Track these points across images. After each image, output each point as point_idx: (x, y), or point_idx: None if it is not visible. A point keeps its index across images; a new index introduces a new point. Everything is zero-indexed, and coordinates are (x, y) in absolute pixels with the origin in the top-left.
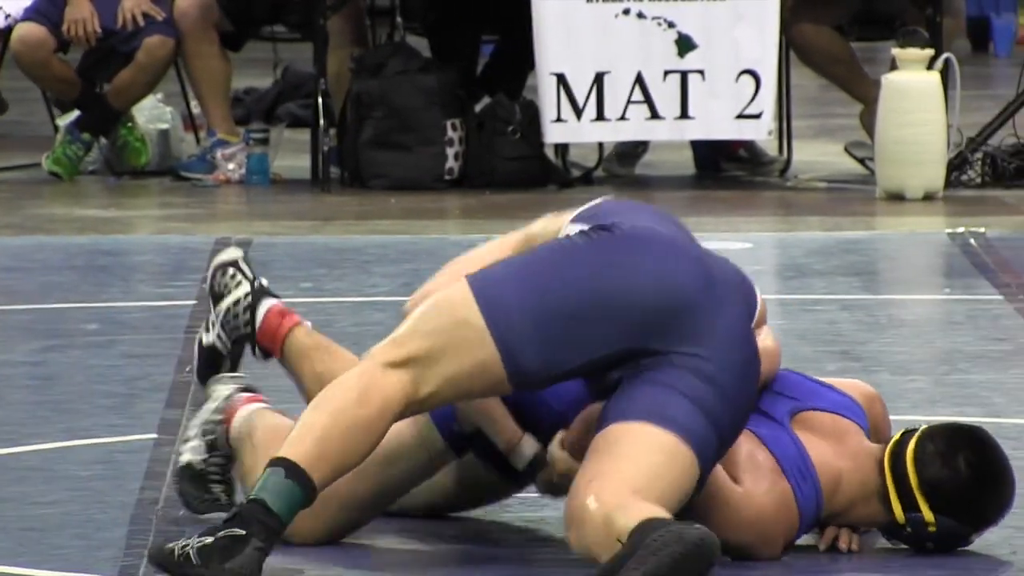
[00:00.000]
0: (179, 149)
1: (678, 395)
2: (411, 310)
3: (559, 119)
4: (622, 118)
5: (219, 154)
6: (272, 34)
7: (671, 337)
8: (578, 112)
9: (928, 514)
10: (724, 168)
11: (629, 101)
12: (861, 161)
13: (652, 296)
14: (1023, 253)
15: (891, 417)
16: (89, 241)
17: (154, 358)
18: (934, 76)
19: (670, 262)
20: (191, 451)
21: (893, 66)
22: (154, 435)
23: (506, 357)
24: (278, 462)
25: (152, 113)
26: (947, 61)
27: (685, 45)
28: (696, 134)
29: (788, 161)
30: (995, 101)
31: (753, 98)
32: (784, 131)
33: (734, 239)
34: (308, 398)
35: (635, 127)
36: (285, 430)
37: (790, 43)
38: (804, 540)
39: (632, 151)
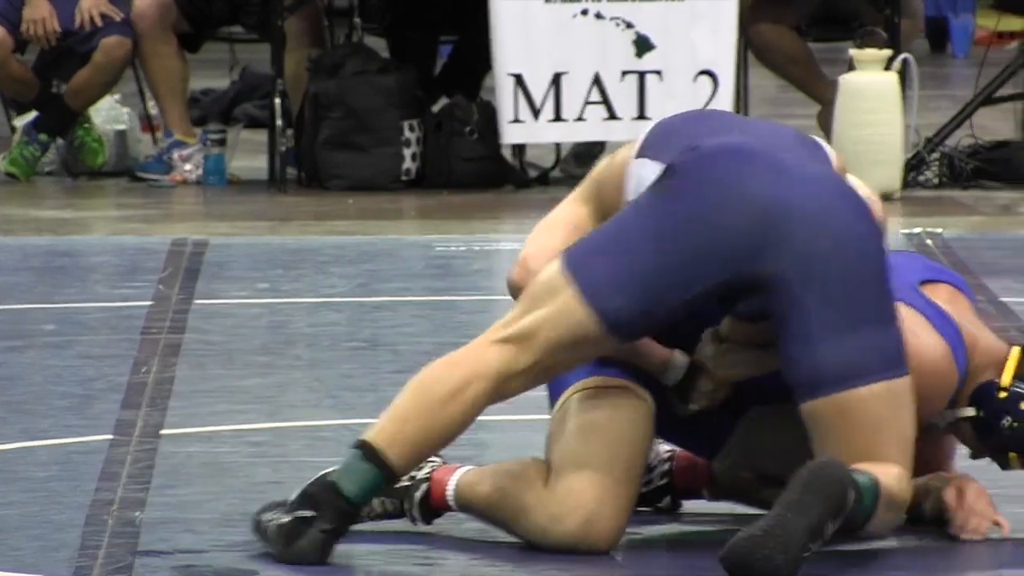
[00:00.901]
0: (136, 150)
1: (839, 335)
2: (513, 279)
3: (516, 120)
4: (579, 118)
5: (176, 155)
6: (229, 35)
7: (773, 253)
8: (535, 113)
9: None
10: None
11: (587, 101)
12: None
13: (732, 223)
14: (980, 253)
15: None
16: (46, 242)
17: (111, 359)
18: (892, 76)
19: (736, 180)
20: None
21: (851, 66)
22: (110, 436)
23: (600, 312)
24: (358, 445)
25: (109, 114)
26: (905, 61)
27: (643, 45)
28: None
29: None
30: (953, 101)
31: (711, 98)
32: None
33: None
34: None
35: (592, 127)
36: (507, 463)
37: (748, 43)
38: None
39: (589, 151)
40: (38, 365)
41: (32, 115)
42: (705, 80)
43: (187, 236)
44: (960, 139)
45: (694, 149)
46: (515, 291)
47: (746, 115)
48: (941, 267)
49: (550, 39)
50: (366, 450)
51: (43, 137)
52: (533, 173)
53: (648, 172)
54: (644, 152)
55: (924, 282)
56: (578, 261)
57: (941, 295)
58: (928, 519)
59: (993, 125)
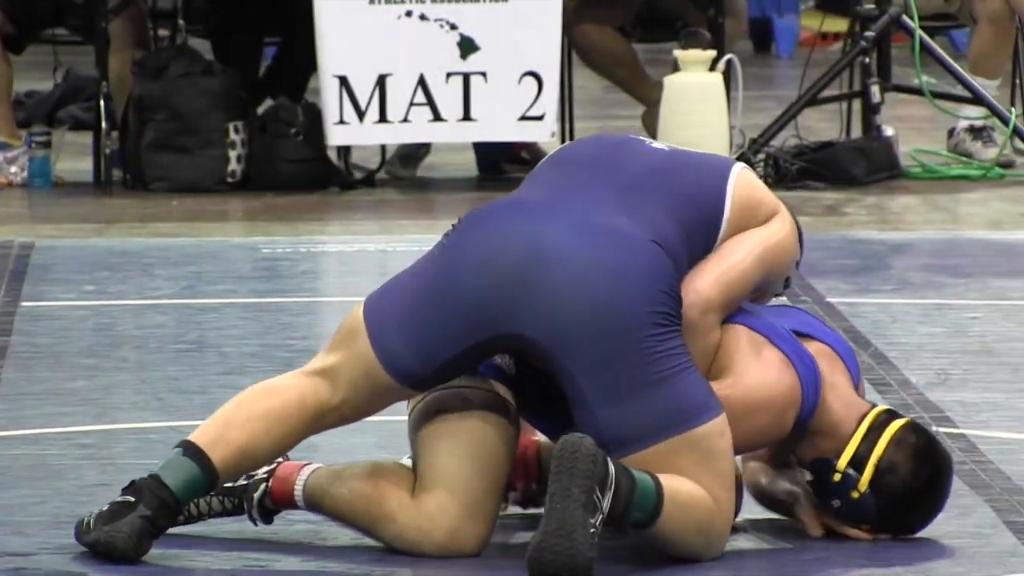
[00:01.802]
0: None
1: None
2: None
3: (342, 121)
4: (404, 120)
5: (1, 157)
6: (53, 37)
7: (522, 318)
8: (360, 114)
9: (864, 483)
10: (506, 170)
11: (411, 103)
12: None
13: (475, 283)
14: (806, 254)
15: None
16: None
17: None
18: (716, 77)
19: (495, 242)
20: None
21: (675, 67)
22: None
23: (385, 362)
24: (180, 444)
25: None
26: (729, 62)
27: (468, 47)
28: (479, 136)
29: None
30: (778, 102)
31: (536, 99)
32: (566, 132)
33: None
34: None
35: (417, 129)
36: (362, 463)
37: (572, 44)
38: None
39: (414, 153)
40: None
41: None
42: (530, 81)
43: (13, 239)
44: (785, 140)
45: (485, 205)
46: None
47: (571, 117)
48: (826, 329)
49: (375, 41)
50: (188, 447)
51: None
52: (359, 175)
53: None
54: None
55: (798, 333)
56: (373, 307)
57: (812, 348)
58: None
59: (818, 126)
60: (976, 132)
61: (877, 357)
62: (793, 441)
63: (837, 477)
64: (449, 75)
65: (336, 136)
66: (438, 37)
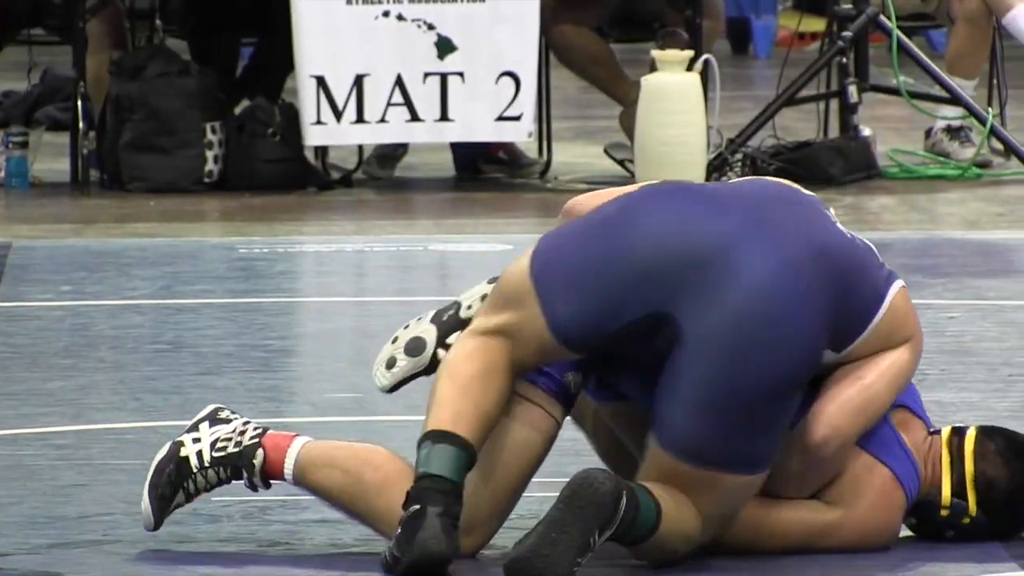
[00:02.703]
0: None
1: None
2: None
3: (319, 121)
4: (382, 120)
5: None
6: (30, 37)
7: (681, 298)
8: (338, 114)
9: (973, 505)
10: (483, 170)
11: (389, 103)
12: (620, 163)
13: (652, 254)
14: None
15: None
16: None
17: None
18: (694, 77)
19: (676, 214)
20: (195, 453)
21: (653, 67)
22: None
23: (551, 323)
24: (424, 438)
25: None
26: (707, 62)
27: (445, 47)
28: (456, 136)
29: (548, 163)
30: (755, 102)
31: (513, 100)
32: (544, 133)
33: (494, 241)
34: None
35: (395, 129)
36: (356, 447)
37: (549, 44)
38: None
39: (392, 153)
40: None
41: None
42: (507, 81)
43: None
44: (763, 140)
45: (670, 183)
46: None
47: (548, 117)
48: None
49: (352, 41)
50: (434, 436)
51: None
52: (336, 175)
53: None
54: None
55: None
56: (544, 264)
57: (897, 419)
58: None
59: (795, 126)
60: (953, 132)
61: None
62: None
63: (945, 513)
64: (427, 75)
65: (313, 136)
66: (415, 37)
